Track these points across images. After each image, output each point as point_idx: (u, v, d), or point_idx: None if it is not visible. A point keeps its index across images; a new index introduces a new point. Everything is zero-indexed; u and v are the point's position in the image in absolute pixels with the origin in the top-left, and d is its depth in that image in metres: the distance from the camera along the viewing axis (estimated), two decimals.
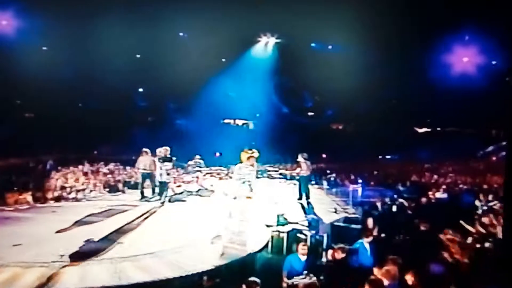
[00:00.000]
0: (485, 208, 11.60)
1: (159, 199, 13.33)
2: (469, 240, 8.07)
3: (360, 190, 15.66)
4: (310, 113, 31.67)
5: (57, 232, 9.34)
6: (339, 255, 7.49)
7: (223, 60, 27.36)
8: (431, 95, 25.70)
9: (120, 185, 16.12)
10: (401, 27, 21.65)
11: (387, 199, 12.87)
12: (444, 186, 16.21)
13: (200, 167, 17.96)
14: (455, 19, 21.41)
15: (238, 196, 12.44)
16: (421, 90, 25.79)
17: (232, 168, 16.64)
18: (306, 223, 10.62)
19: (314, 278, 6.67)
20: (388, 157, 29.25)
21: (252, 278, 5.90)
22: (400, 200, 12.92)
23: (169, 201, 13.56)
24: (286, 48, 26.61)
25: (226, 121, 30.27)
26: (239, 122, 30.47)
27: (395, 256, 6.49)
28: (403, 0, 20.72)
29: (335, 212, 12.61)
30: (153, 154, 13.96)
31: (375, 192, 15.47)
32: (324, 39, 26.47)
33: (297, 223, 10.56)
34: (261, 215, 11.12)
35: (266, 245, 9.16)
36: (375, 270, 6.16)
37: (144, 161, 14.12)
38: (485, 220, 9.18)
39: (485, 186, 16.43)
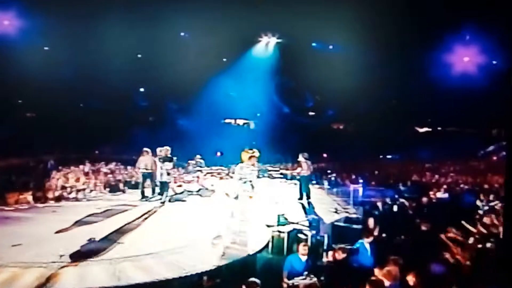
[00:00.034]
0: (486, 208, 11.60)
1: (160, 199, 13.33)
2: (471, 240, 8.05)
3: (361, 190, 15.62)
4: (311, 113, 31.64)
5: (57, 232, 9.30)
6: (340, 256, 7.49)
7: (224, 60, 27.34)
8: (432, 95, 25.68)
9: (120, 185, 16.10)
10: (402, 27, 21.62)
11: (388, 199, 12.85)
12: (445, 186, 16.22)
13: (200, 167, 17.98)
14: (455, 18, 21.39)
15: (239, 195, 12.46)
16: (422, 90, 25.77)
17: (233, 168, 16.65)
18: (306, 223, 10.60)
19: (315, 279, 6.66)
20: (389, 156, 29.24)
21: (252, 279, 5.89)
22: (401, 200, 12.92)
23: (170, 201, 13.54)
24: (287, 48, 26.59)
25: (227, 120, 30.19)
26: (240, 121, 30.39)
27: (396, 257, 6.47)
28: (403, 0, 20.70)
29: (336, 212, 12.57)
30: (154, 154, 13.96)
31: (376, 192, 15.43)
32: (324, 39, 26.46)
33: (297, 223, 10.53)
34: (262, 215, 11.11)
35: (267, 245, 9.10)
36: (376, 271, 6.15)
37: (145, 161, 14.10)
38: (486, 220, 9.17)
39: (486, 186, 16.44)
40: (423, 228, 9.10)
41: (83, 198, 14.09)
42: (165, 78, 24.80)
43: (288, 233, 9.22)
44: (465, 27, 22.90)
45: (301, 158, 13.88)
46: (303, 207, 13.16)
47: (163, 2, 21.35)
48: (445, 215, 10.55)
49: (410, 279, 5.83)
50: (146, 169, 14.04)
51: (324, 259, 8.14)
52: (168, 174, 13.45)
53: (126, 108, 26.84)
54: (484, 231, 8.65)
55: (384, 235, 9.54)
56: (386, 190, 15.88)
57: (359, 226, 9.98)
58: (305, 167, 13.77)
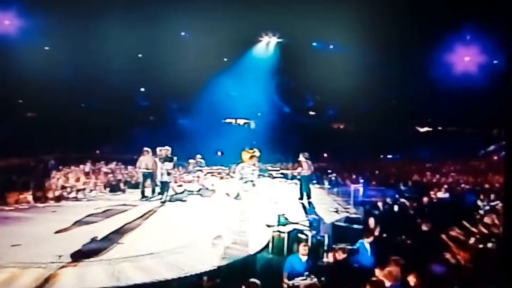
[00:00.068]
0: (487, 208, 11.58)
1: (160, 199, 13.32)
2: (472, 240, 8.02)
3: (361, 189, 15.59)
4: (311, 113, 31.60)
5: (57, 232, 9.29)
6: (340, 256, 7.46)
7: (225, 59, 27.30)
8: (432, 95, 25.64)
9: (121, 185, 16.10)
10: (402, 27, 21.60)
11: (388, 199, 12.81)
12: (445, 186, 16.17)
13: (201, 166, 17.96)
14: (456, 18, 21.36)
15: (241, 195, 12.46)
16: (422, 90, 25.74)
17: (233, 168, 16.64)
18: (307, 223, 10.59)
19: (315, 279, 6.65)
20: (389, 156, 29.20)
21: (252, 280, 5.86)
22: (402, 200, 12.89)
23: (170, 200, 13.53)
24: (288, 48, 26.58)
25: (228, 120, 30.18)
26: (241, 121, 30.37)
27: (397, 257, 6.44)
28: (403, 0, 20.67)
29: (336, 212, 12.56)
30: (154, 153, 13.94)
31: (376, 192, 15.40)
32: (325, 39, 26.46)
33: (298, 223, 10.52)
34: (262, 215, 11.09)
35: (267, 246, 9.09)
36: (377, 271, 6.12)
37: (145, 160, 14.09)
38: (487, 220, 9.15)
39: (486, 186, 16.42)
40: (424, 228, 9.07)
41: (83, 198, 14.10)
42: (166, 78, 24.76)
43: (289, 233, 9.20)
44: (465, 27, 22.88)
45: (301, 157, 13.86)
46: (304, 207, 13.15)
47: (164, 2, 21.34)
48: (446, 215, 10.52)
49: (411, 279, 5.80)
50: (147, 169, 14.03)
51: (325, 260, 8.11)
52: (169, 174, 13.44)
53: (127, 108, 26.80)
54: (485, 231, 8.62)
55: (384, 235, 9.50)
56: (386, 190, 15.84)
57: (360, 226, 9.96)
58: (305, 167, 13.75)
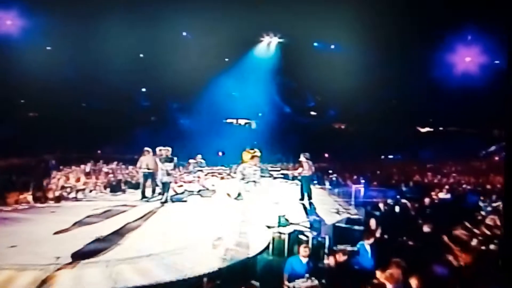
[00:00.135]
0: (489, 209, 11.53)
1: (160, 199, 13.28)
2: (474, 242, 7.96)
3: (362, 190, 15.57)
4: (312, 113, 31.59)
5: (55, 233, 9.24)
6: (341, 258, 7.41)
7: (226, 60, 27.27)
8: (434, 95, 25.62)
9: (121, 185, 16.06)
10: (403, 27, 21.56)
11: (389, 200, 12.76)
12: (447, 187, 16.10)
13: (201, 167, 17.93)
14: (456, 18, 21.33)
15: (243, 195, 12.40)
16: (424, 90, 25.75)
17: (234, 168, 16.61)
18: (308, 224, 10.55)
19: (316, 281, 6.61)
20: (390, 157, 29.16)
21: (252, 282, 5.83)
22: (403, 200, 12.83)
23: (170, 201, 13.48)
24: (289, 48, 26.57)
25: (229, 120, 30.18)
26: (242, 121, 30.37)
27: (399, 259, 6.37)
28: (404, 0, 20.63)
29: (337, 213, 12.52)
30: (155, 153, 13.91)
31: (377, 193, 15.37)
32: (326, 39, 26.43)
33: (298, 224, 10.49)
34: (262, 216, 11.04)
35: (267, 247, 9.04)
36: (378, 274, 6.04)
37: (146, 160, 14.06)
38: (489, 221, 9.09)
39: (488, 187, 16.36)
40: (426, 229, 9.01)
41: (83, 198, 14.07)
42: (167, 78, 24.79)
43: (289, 234, 9.17)
44: (466, 27, 22.85)
45: (302, 158, 13.83)
46: (304, 208, 13.11)
47: (165, 2, 21.33)
48: (447, 216, 10.46)
49: (413, 282, 5.74)
50: (148, 169, 14.00)
51: (325, 261, 8.06)
52: (169, 174, 13.38)
53: (128, 108, 26.84)
54: (488, 232, 8.56)
55: (386, 236, 9.45)
56: (387, 190, 15.80)
57: (361, 227, 9.90)
58: (306, 167, 13.71)
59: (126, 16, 21.44)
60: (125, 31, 22.03)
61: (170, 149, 13.59)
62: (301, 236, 9.18)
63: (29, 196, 13.07)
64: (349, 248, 8.11)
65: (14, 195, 12.87)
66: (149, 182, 14.25)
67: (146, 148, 14.23)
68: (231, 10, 21.28)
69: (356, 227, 10.06)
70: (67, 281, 6.73)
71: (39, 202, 13.01)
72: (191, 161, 18.20)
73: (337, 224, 10.71)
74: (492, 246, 7.59)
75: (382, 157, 28.85)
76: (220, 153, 23.70)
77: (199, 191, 15.33)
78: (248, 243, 8.92)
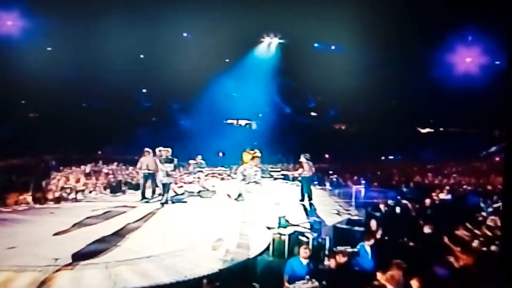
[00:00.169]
0: (490, 209, 11.50)
1: (160, 200, 13.25)
2: (475, 243, 7.93)
3: (363, 191, 15.53)
4: (312, 113, 31.57)
5: (55, 234, 9.20)
6: (341, 259, 7.38)
7: (227, 60, 27.24)
8: (434, 96, 25.60)
9: (121, 186, 16.04)
10: (404, 27, 21.55)
11: (390, 201, 12.72)
12: (447, 187, 16.06)
13: (201, 167, 17.90)
14: (457, 19, 21.31)
15: (244, 196, 12.39)
16: (424, 91, 25.72)
17: (234, 169, 16.59)
18: (308, 225, 10.52)
19: (317, 283, 6.57)
20: (391, 157, 29.12)
21: (252, 284, 5.80)
22: (404, 201, 12.80)
23: (170, 202, 13.45)
24: (289, 49, 26.56)
25: (229, 121, 30.20)
26: (242, 122, 30.40)
27: (400, 260, 6.33)
28: (405, 0, 20.62)
29: (338, 214, 12.48)
30: (155, 154, 13.88)
31: (378, 193, 15.32)
32: (326, 39, 26.42)
33: (299, 225, 10.45)
34: (262, 217, 11.01)
35: (267, 248, 9.01)
36: (379, 275, 6.01)
37: (146, 161, 14.01)
38: (490, 222, 9.06)
39: (489, 187, 16.31)
40: (427, 230, 8.97)
41: (82, 199, 14.03)
42: (168, 78, 24.79)
43: (289, 235, 9.13)
44: (466, 28, 22.83)
45: (302, 158, 13.78)
46: (305, 209, 13.05)
47: (166, 2, 21.33)
48: (448, 216, 10.43)
49: (415, 284, 5.70)
50: (148, 170, 13.95)
51: (326, 263, 8.03)
52: (169, 175, 13.35)
53: (129, 109, 26.85)
54: (489, 233, 8.54)
55: (386, 237, 9.41)
56: (388, 191, 15.77)
57: (362, 229, 9.87)
58: (306, 168, 13.67)
59: (127, 17, 21.44)
60: (125, 32, 22.03)
61: (170, 150, 13.55)
62: (301, 237, 9.14)
63: (28, 197, 13.05)
64: (349, 249, 8.07)
65: (13, 196, 12.86)
66: (149, 183, 14.19)
67: (146, 149, 14.18)
68: (232, 10, 21.28)
69: (357, 228, 10.03)
70: (66, 282, 6.70)
71: (38, 203, 12.98)
72: (191, 161, 18.17)
73: (337, 225, 10.69)
74: (493, 247, 7.56)
75: (383, 157, 28.81)
76: (221, 154, 23.67)
77: (199, 192, 15.29)
78: (248, 244, 8.89)
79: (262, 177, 17.43)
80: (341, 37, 23.59)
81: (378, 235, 9.10)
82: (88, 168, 17.51)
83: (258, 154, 13.73)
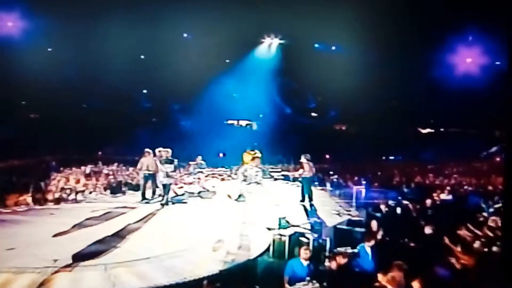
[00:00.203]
0: (491, 210, 11.47)
1: (161, 201, 13.22)
2: (477, 244, 7.90)
3: (363, 191, 15.50)
4: (313, 114, 31.53)
5: (54, 235, 9.17)
6: (341, 260, 7.35)
7: (227, 61, 27.22)
8: (434, 96, 25.57)
9: (121, 187, 16.01)
10: (405, 27, 21.53)
11: (391, 201, 12.69)
12: (448, 188, 16.04)
13: (201, 168, 17.88)
14: (457, 19, 21.29)
15: (244, 196, 12.36)
16: (425, 91, 25.67)
17: (235, 169, 16.57)
18: (308, 226, 10.49)
19: (317, 284, 6.54)
20: (391, 158, 29.10)
21: (252, 285, 5.77)
22: (404, 202, 12.77)
23: (171, 202, 13.42)
24: (289, 49, 26.54)
25: (229, 121, 30.18)
26: (243, 122, 30.38)
27: (400, 262, 6.30)
28: (405, 1, 20.60)
29: (339, 214, 12.46)
30: (155, 155, 13.86)
31: (379, 194, 15.29)
32: (327, 39, 26.40)
33: (299, 226, 10.42)
34: (263, 217, 10.98)
35: (268, 249, 8.98)
36: (380, 277, 5.97)
37: (146, 162, 13.98)
38: (491, 223, 9.03)
39: (490, 188, 16.29)
40: (428, 231, 8.94)
41: (82, 200, 13.98)
42: (168, 79, 24.78)
43: (290, 236, 9.08)
44: (467, 28, 22.80)
45: (303, 159, 13.75)
46: (305, 210, 13.03)
47: (166, 3, 21.31)
48: (449, 217, 10.40)
49: (415, 285, 5.67)
50: (148, 171, 13.93)
51: (326, 264, 7.99)
52: (169, 176, 13.32)
53: (129, 109, 26.84)
54: (490, 234, 8.50)
55: (387, 238, 9.38)
56: (389, 191, 15.73)
57: (362, 229, 9.83)
58: (307, 168, 13.64)
59: (127, 17, 21.45)
60: (125, 32, 22.05)
61: (170, 150, 13.53)
62: (301, 238, 9.11)
63: (28, 198, 13.01)
64: (349, 250, 8.03)
65: (13, 197, 12.83)
66: (149, 183, 14.16)
67: (146, 150, 14.15)
68: (232, 11, 21.26)
69: (357, 229, 9.99)
70: (65, 284, 6.68)
71: (38, 204, 12.95)
72: (191, 162, 18.15)
73: (338, 226, 10.65)
74: (494, 248, 7.53)
75: (383, 158, 28.80)
76: (221, 154, 23.66)
77: (200, 192, 15.25)
78: (248, 245, 8.86)
79: (264, 177, 17.44)
80: (342, 37, 23.57)
81: (379, 236, 9.06)
82: (88, 168, 17.50)
83: (259, 154, 13.73)
